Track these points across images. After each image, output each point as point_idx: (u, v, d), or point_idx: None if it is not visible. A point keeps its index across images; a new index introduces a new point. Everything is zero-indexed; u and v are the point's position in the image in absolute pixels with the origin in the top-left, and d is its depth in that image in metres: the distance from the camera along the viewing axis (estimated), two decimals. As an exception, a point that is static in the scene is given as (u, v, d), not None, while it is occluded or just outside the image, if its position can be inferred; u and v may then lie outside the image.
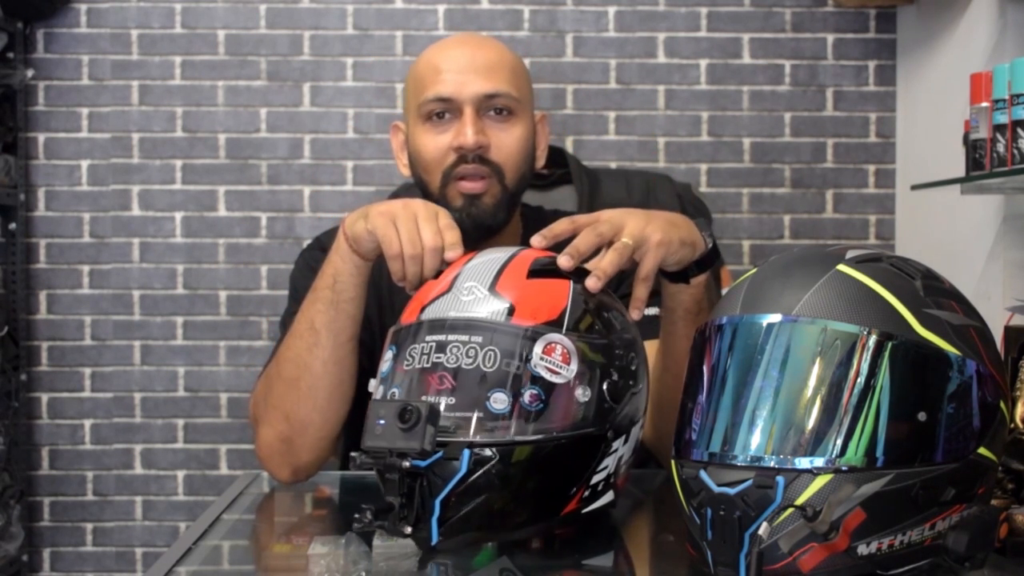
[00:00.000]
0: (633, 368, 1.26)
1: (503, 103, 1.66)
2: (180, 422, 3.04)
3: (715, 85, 3.04)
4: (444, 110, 1.65)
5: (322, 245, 1.77)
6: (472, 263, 1.30)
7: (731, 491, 1.05)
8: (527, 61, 2.82)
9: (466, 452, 1.16)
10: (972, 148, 2.11)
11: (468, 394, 1.18)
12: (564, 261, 1.28)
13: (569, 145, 2.99)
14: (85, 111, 3.04)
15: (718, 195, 3.02)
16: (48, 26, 3.02)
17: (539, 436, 1.18)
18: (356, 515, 1.16)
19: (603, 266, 1.28)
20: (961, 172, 2.20)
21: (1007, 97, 1.98)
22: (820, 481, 1.03)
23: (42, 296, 3.04)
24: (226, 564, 1.36)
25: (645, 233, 1.32)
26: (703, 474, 1.08)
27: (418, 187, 1.72)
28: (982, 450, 1.09)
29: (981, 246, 2.47)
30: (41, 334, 3.04)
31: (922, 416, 1.06)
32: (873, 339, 1.06)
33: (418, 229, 1.38)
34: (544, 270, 1.27)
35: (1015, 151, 1.96)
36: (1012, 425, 1.30)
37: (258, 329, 3.04)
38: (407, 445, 1.13)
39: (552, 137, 1.99)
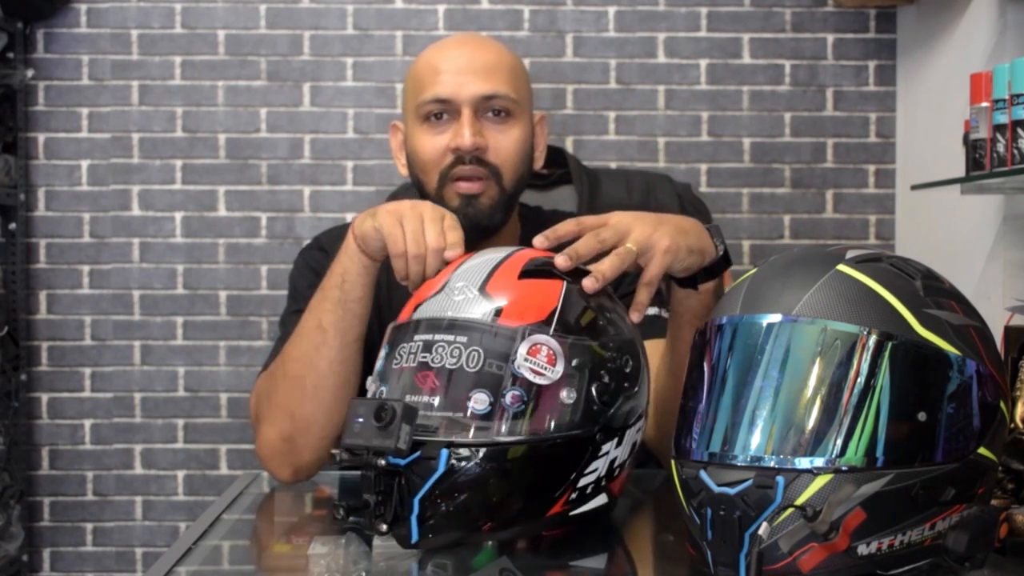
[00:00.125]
0: (628, 370, 1.25)
1: (501, 104, 1.65)
2: (180, 422, 3.04)
3: (715, 85, 3.04)
4: (442, 111, 1.65)
5: (321, 245, 1.78)
6: (467, 263, 1.30)
7: (731, 491, 1.05)
8: (527, 61, 2.82)
9: (444, 452, 1.16)
10: (972, 148, 2.11)
11: (451, 394, 1.18)
12: (561, 261, 1.27)
13: (569, 145, 2.99)
14: (85, 111, 3.04)
15: (718, 195, 3.02)
16: (48, 26, 3.02)
17: (520, 437, 1.18)
18: (334, 512, 1.17)
19: (602, 269, 1.27)
20: (961, 172, 2.20)
21: (1007, 97, 1.98)
22: (820, 481, 1.03)
23: (42, 296, 3.04)
24: (226, 564, 1.36)
25: (652, 239, 1.32)
26: (703, 474, 1.08)
27: (416, 187, 1.72)
28: (982, 450, 1.09)
29: (981, 246, 2.47)
30: (41, 334, 3.04)
31: (922, 416, 1.06)
32: (873, 339, 1.06)
33: (423, 229, 1.39)
34: (537, 270, 1.26)
35: (1015, 151, 1.96)
36: (1012, 425, 1.30)
37: (258, 329, 3.04)
38: (382, 444, 1.13)
39: (552, 137, 1.99)
